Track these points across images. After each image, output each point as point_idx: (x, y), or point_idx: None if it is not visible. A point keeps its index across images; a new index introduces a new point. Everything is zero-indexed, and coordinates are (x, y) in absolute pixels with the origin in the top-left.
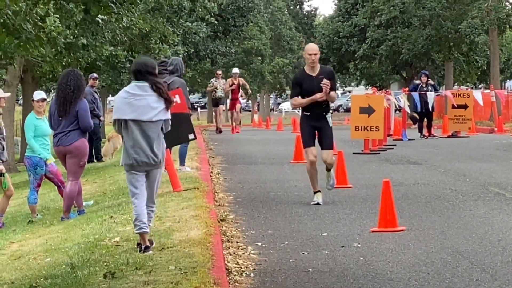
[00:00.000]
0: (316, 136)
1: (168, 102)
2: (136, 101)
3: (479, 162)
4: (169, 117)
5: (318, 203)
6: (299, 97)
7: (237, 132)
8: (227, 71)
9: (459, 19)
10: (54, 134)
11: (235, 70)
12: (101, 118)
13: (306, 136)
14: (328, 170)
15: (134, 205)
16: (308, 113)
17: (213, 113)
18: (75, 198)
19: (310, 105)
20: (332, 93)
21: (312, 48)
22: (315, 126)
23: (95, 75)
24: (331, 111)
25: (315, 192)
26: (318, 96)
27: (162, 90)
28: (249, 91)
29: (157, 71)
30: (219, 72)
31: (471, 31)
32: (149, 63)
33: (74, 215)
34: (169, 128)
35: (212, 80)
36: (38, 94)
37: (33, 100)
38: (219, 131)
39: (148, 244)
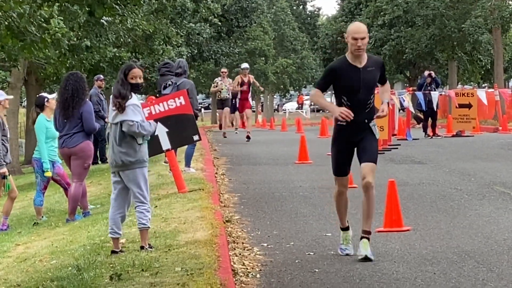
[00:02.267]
0: (355, 153)
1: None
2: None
3: (484, 161)
4: (125, 118)
5: (366, 257)
6: (337, 99)
7: (248, 136)
8: (231, 71)
9: (463, 18)
10: (59, 136)
11: (245, 65)
12: (106, 119)
13: (340, 159)
14: (368, 195)
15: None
16: (344, 123)
17: (217, 115)
18: (80, 200)
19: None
20: (384, 106)
21: (359, 29)
22: (354, 142)
23: (101, 76)
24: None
25: (343, 229)
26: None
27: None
28: (260, 87)
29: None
30: (225, 70)
31: (475, 30)
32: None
33: (80, 217)
34: (133, 130)
35: (216, 79)
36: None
37: (47, 100)
38: (224, 135)
39: (115, 249)
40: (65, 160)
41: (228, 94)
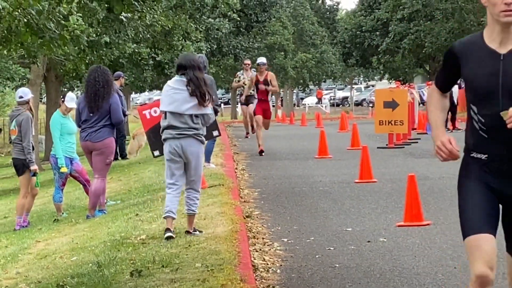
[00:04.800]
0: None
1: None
2: (174, 94)
3: None
4: (207, 111)
5: None
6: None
7: (261, 150)
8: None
9: (482, 12)
10: (83, 128)
11: (261, 59)
12: (127, 113)
13: (476, 211)
14: None
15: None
16: (484, 156)
17: (242, 114)
18: (101, 195)
19: (483, 129)
20: None
21: None
22: (499, 193)
23: (121, 73)
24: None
25: None
26: None
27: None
28: (276, 89)
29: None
30: (248, 62)
31: None
32: (190, 57)
33: (100, 213)
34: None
35: (238, 73)
36: (71, 101)
37: (62, 101)
38: (248, 134)
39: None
40: (86, 154)
41: (253, 90)
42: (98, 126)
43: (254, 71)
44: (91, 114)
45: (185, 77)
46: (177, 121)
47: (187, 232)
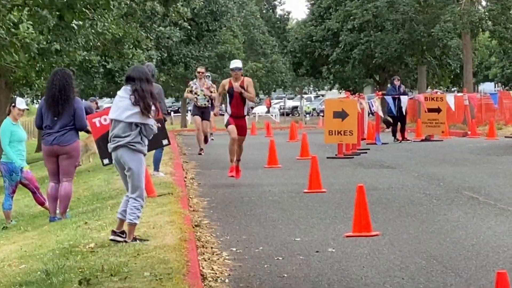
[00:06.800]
0: None
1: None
2: (119, 102)
3: (453, 166)
4: (149, 122)
5: None
6: None
7: (235, 176)
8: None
9: (432, 23)
10: (47, 133)
11: (236, 63)
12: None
13: None
14: None
15: None
16: None
17: (195, 126)
18: (51, 202)
19: None
20: None
21: None
22: None
23: (94, 99)
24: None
25: None
26: None
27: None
28: (253, 97)
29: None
30: (201, 69)
31: (444, 35)
32: (139, 70)
33: (52, 220)
34: (152, 133)
35: (191, 82)
36: (22, 103)
37: (13, 106)
38: (202, 150)
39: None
40: (48, 158)
41: (207, 101)
42: (65, 130)
43: (208, 76)
44: (56, 118)
45: (131, 86)
46: (117, 129)
47: (124, 241)
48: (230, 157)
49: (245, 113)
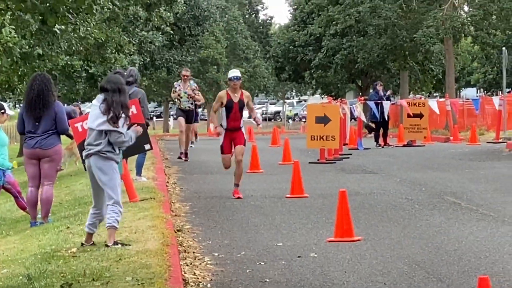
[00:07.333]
0: None
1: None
2: (93, 110)
3: (435, 171)
4: (118, 129)
5: None
6: None
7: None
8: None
9: (415, 28)
10: (30, 136)
11: (235, 72)
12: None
13: None
14: None
15: None
16: None
17: (178, 127)
18: (32, 208)
19: None
20: None
21: None
22: None
23: (77, 103)
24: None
25: None
26: None
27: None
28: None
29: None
30: (186, 73)
31: (427, 40)
32: (112, 80)
33: (33, 225)
34: (119, 141)
35: (176, 83)
36: (9, 109)
37: (2, 113)
38: (184, 155)
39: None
40: (29, 161)
41: (191, 104)
42: (48, 134)
43: (193, 84)
44: (37, 123)
45: (103, 96)
46: (90, 137)
47: (106, 245)
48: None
49: (241, 125)
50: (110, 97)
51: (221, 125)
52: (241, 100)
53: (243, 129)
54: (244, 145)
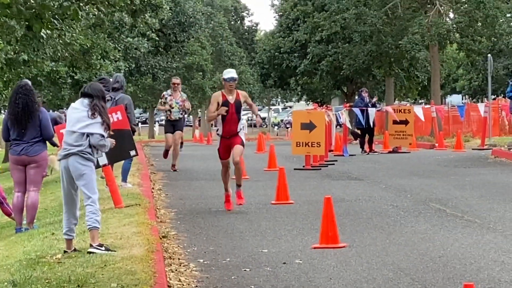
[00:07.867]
0: None
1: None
2: (73, 113)
3: (420, 178)
4: (100, 132)
5: None
6: None
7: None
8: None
9: (400, 35)
10: (16, 144)
11: (231, 73)
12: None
13: None
14: None
15: None
16: None
17: (165, 141)
18: (17, 213)
19: None
20: None
21: None
22: None
23: (63, 110)
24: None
25: None
26: None
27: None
28: (259, 120)
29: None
30: (176, 81)
31: (412, 47)
32: (97, 87)
33: (37, 226)
34: (101, 144)
35: (165, 93)
36: None
37: None
38: (172, 166)
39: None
40: (16, 167)
41: (181, 114)
42: (34, 141)
43: (183, 94)
44: (23, 131)
45: (89, 101)
46: (69, 138)
47: (90, 245)
48: (224, 186)
49: (238, 130)
50: (98, 102)
51: (216, 132)
52: (238, 100)
53: (240, 134)
54: (241, 145)
